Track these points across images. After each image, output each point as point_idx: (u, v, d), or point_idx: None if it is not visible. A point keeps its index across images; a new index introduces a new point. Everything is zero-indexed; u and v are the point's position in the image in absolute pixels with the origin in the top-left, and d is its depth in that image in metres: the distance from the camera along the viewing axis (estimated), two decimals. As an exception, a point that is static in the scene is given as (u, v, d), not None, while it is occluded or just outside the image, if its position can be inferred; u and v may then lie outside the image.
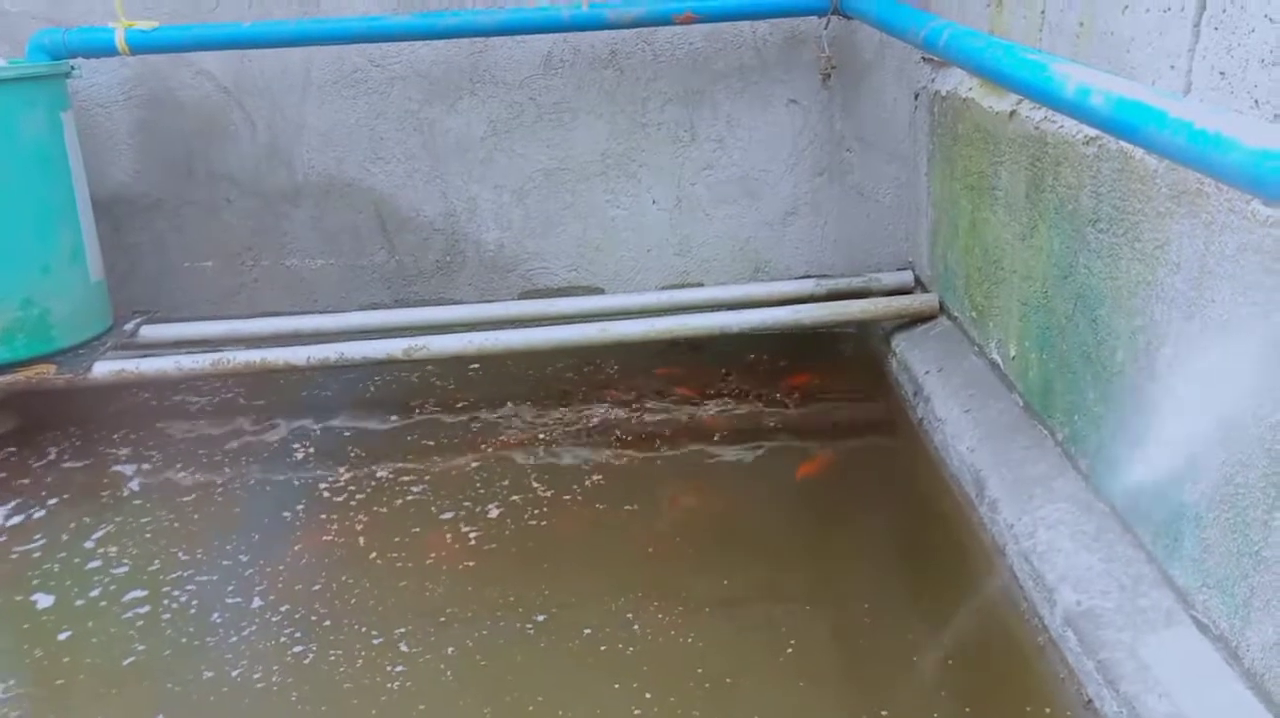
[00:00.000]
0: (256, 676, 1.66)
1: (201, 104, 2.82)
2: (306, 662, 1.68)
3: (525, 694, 1.58)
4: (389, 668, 1.66)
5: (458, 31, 2.62)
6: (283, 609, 1.82)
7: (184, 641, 1.75)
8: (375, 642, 1.72)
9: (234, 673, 1.66)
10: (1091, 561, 1.60)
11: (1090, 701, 1.42)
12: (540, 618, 1.77)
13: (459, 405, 2.66)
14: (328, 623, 1.78)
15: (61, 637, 1.78)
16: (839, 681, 1.59)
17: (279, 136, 2.86)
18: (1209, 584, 1.36)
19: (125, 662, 1.71)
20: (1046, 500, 1.79)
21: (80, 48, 2.53)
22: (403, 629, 1.75)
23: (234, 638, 1.75)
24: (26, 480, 2.34)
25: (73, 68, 2.55)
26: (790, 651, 1.66)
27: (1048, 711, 1.48)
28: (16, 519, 2.17)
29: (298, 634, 1.75)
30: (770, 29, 2.77)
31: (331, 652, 1.70)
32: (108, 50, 2.54)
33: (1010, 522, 1.79)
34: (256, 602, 1.85)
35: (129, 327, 2.76)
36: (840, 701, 1.54)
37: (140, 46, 2.54)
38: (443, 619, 1.78)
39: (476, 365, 2.87)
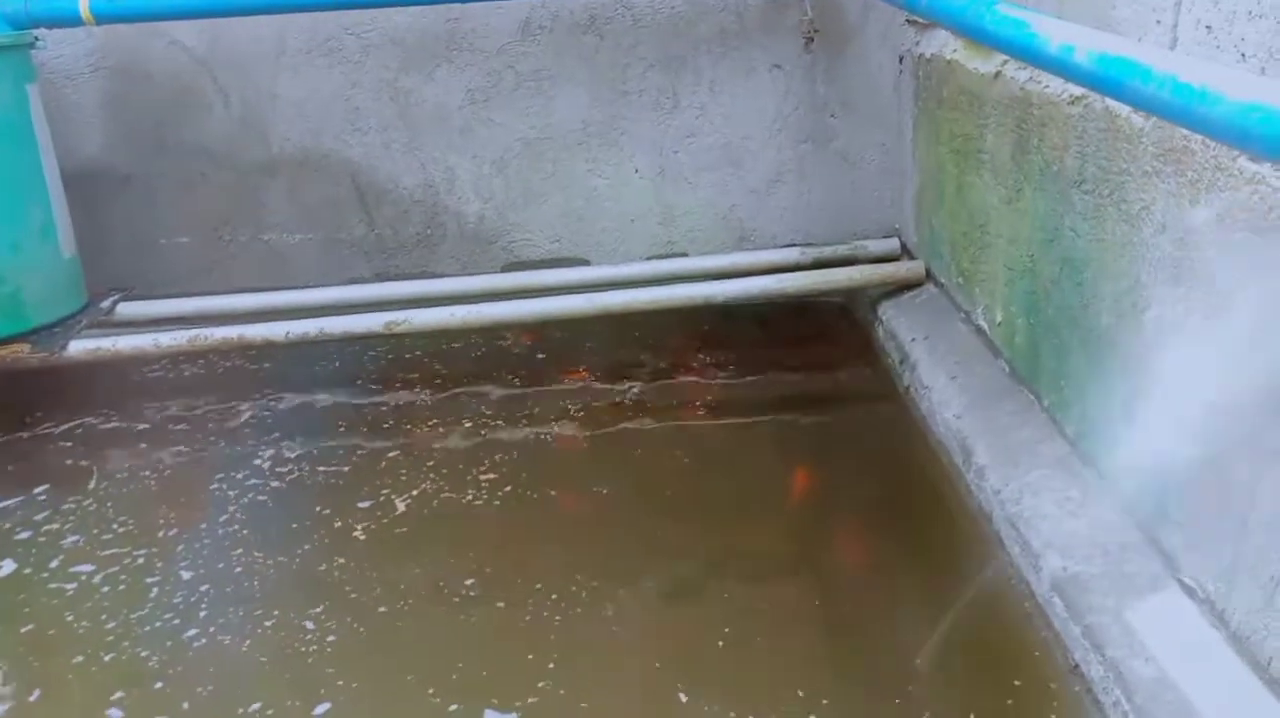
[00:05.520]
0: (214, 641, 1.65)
1: (172, 75, 2.75)
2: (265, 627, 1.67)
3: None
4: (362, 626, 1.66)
5: (433, -4, 2.56)
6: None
7: (124, 612, 1.75)
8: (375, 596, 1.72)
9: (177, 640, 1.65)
10: (1078, 526, 1.59)
11: (1076, 665, 1.42)
12: (470, 582, 1.77)
13: (436, 381, 2.63)
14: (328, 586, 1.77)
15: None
16: (813, 647, 1.58)
17: (252, 108, 2.80)
18: (1195, 548, 1.35)
19: (50, 633, 1.72)
20: (1033, 466, 1.78)
21: (44, 17, 2.45)
22: (357, 593, 1.75)
23: (178, 604, 1.75)
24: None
25: (36, 38, 2.47)
26: (767, 614, 1.65)
27: (1033, 675, 1.47)
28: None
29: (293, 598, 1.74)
30: (752, -8, 2.72)
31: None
32: (72, 19, 2.46)
33: (997, 488, 1.78)
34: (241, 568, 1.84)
35: (105, 304, 2.71)
36: (815, 667, 1.53)
37: (106, 15, 2.47)
38: (378, 590, 1.77)
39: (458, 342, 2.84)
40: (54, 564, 1.90)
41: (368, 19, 2.71)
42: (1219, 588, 1.29)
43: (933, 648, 1.56)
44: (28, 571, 1.89)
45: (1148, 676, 1.28)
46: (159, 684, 1.57)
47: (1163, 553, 1.45)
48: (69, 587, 1.83)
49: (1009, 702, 1.43)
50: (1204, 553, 1.33)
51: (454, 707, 1.49)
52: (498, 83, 2.79)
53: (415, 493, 2.08)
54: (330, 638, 1.66)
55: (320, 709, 1.50)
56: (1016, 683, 1.46)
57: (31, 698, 1.56)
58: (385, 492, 2.09)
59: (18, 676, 1.61)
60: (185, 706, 1.52)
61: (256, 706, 1.51)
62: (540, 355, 2.76)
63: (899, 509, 1.97)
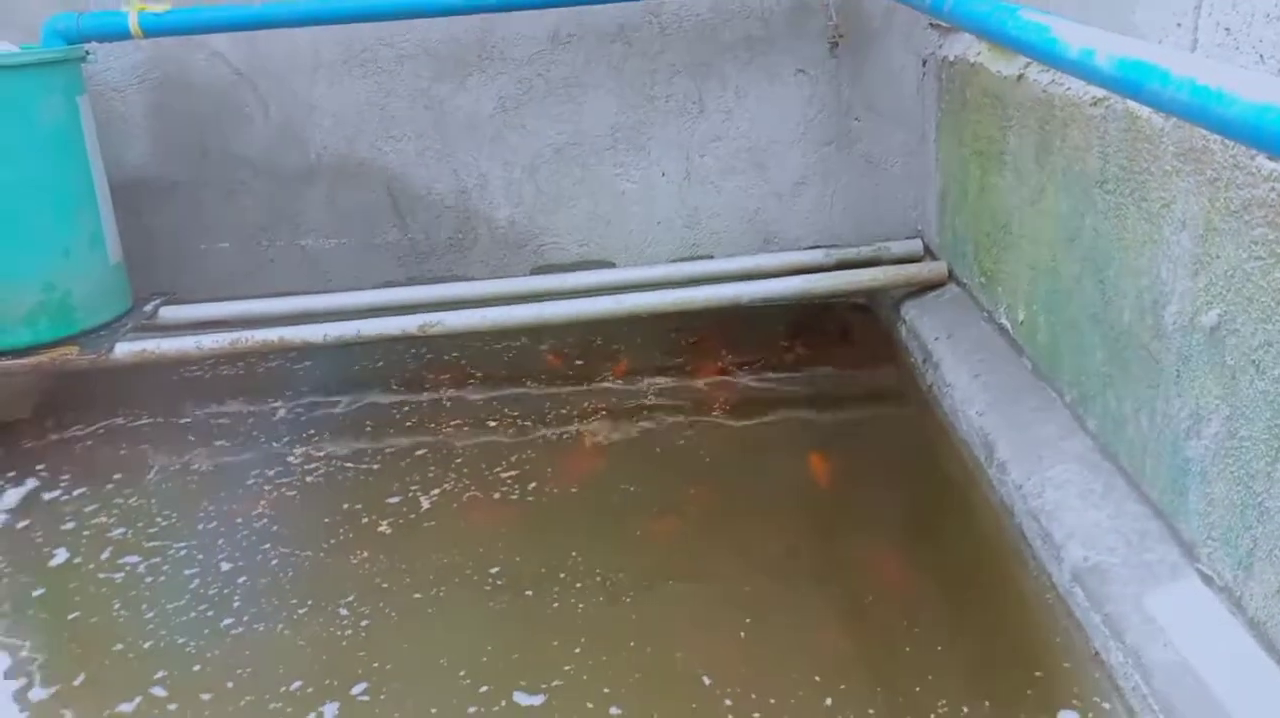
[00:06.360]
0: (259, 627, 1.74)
1: (214, 86, 2.84)
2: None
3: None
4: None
5: (466, 8, 2.62)
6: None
7: (164, 601, 1.83)
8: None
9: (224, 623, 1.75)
10: (1099, 518, 1.62)
11: (1097, 652, 1.45)
12: (495, 571, 1.84)
13: (469, 382, 2.69)
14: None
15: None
16: (833, 636, 1.62)
17: (291, 117, 2.88)
18: (1213, 537, 1.38)
19: (90, 619, 1.81)
20: (1055, 461, 1.81)
21: (94, 32, 2.56)
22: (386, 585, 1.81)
23: (221, 593, 1.84)
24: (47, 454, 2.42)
25: (87, 52, 2.57)
26: (788, 604, 1.70)
27: (1054, 662, 1.51)
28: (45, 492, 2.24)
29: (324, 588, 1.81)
30: (777, -2, 2.77)
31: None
32: (121, 34, 2.56)
33: (1019, 482, 1.81)
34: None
35: (149, 308, 2.80)
36: (836, 655, 1.57)
37: (153, 29, 2.57)
38: (409, 580, 1.84)
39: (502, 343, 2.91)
40: (104, 556, 1.98)
41: (401, 30, 2.79)
42: (1237, 575, 1.32)
43: (954, 638, 1.59)
44: (77, 560, 1.98)
45: (1166, 661, 1.31)
46: (197, 667, 1.64)
47: (1182, 542, 1.48)
48: (116, 576, 1.91)
49: (1029, 692, 1.46)
50: (1222, 542, 1.35)
51: (484, 688, 1.54)
52: (528, 90, 2.85)
53: (443, 489, 2.14)
54: (364, 623, 1.72)
55: (358, 688, 1.56)
56: (1037, 674, 1.49)
57: (76, 683, 1.64)
58: (414, 488, 2.16)
59: (65, 653, 1.70)
60: (229, 685, 1.59)
61: (298, 684, 1.58)
62: (567, 356, 2.81)
63: (922, 504, 2.00)
